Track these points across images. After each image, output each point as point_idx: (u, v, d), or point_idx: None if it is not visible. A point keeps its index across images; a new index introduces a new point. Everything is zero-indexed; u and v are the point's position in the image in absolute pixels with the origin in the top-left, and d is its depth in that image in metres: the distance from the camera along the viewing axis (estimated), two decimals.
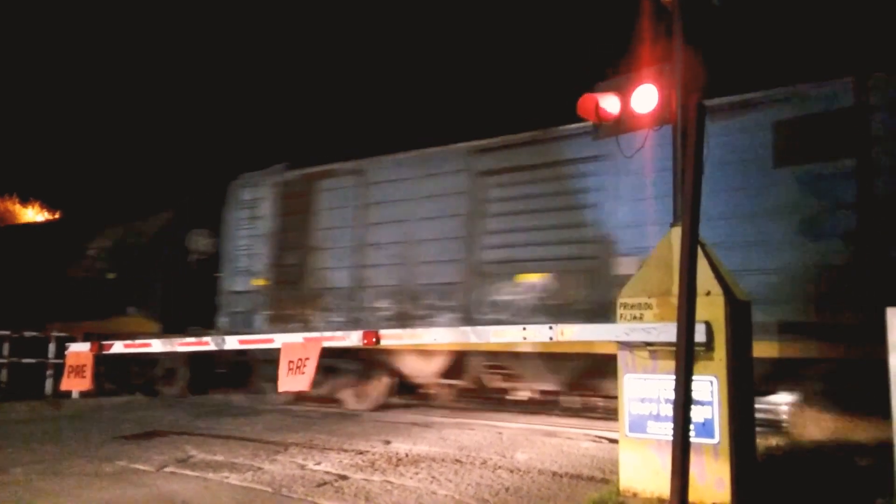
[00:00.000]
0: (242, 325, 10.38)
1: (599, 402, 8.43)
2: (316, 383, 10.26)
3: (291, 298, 10.06)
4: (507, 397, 8.78)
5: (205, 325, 10.73)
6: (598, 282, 7.60)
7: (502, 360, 8.25)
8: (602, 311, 7.31)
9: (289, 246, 10.28)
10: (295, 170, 10.62)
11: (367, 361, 9.35)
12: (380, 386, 9.47)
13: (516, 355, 8.01)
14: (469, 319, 8.35)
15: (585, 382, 7.88)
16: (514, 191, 8.41)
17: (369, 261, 9.46)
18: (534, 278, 8.05)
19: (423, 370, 8.93)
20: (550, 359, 7.81)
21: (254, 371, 10.30)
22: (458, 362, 8.61)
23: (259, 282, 10.44)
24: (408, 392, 9.80)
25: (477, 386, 8.76)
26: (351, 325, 9.12)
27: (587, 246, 7.78)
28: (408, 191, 9.27)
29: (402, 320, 8.86)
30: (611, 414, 7.72)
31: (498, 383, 8.47)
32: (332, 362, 9.32)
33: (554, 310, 7.80)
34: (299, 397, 9.80)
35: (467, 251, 8.63)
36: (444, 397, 9.34)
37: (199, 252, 11.53)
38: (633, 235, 7.43)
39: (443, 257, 8.82)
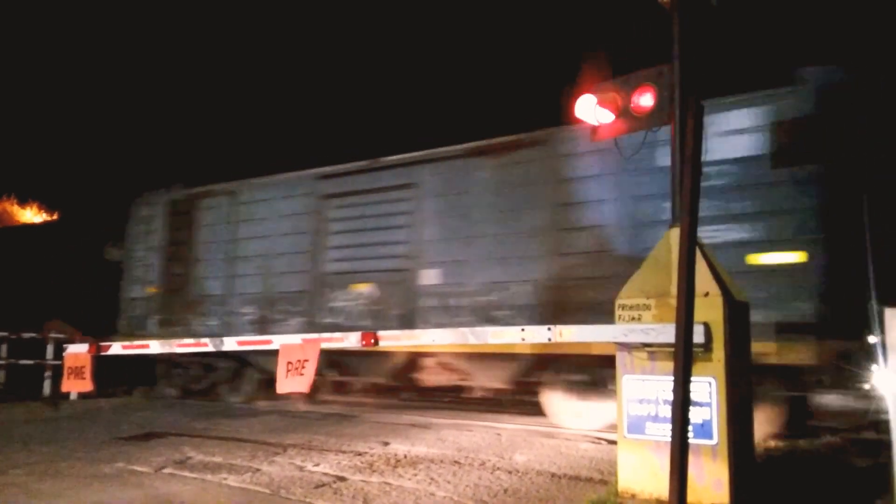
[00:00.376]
0: (136, 328, 11.56)
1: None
2: (195, 379, 10.96)
3: (177, 304, 11.32)
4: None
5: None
6: (408, 290, 8.91)
7: (341, 356, 9.46)
8: (410, 316, 8.78)
9: (176, 258, 11.57)
10: (182, 190, 11.91)
11: (240, 360, 10.39)
12: (251, 381, 10.54)
13: (351, 353, 9.19)
14: (312, 323, 9.60)
15: (407, 376, 9.25)
16: (348, 212, 9.74)
17: (238, 272, 10.73)
18: (362, 287, 9.34)
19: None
20: (372, 355, 9.00)
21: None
22: None
23: (151, 289, 11.69)
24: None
25: (328, 379, 9.98)
26: (223, 328, 10.47)
27: (400, 260, 9.10)
28: (269, 210, 10.59)
29: (262, 324, 10.14)
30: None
31: (336, 378, 9.87)
32: (211, 361, 10.68)
33: (377, 314, 9.13)
34: (184, 394, 11.05)
35: (312, 264, 9.88)
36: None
37: (113, 262, 12.61)
38: (439, 250, 8.76)
39: (293, 269, 10.08)
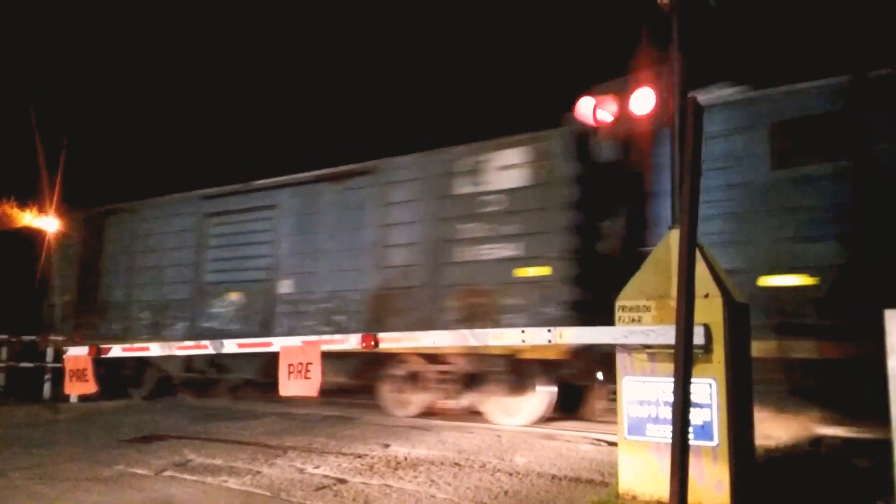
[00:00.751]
0: (52, 332, 12.39)
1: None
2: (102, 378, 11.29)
3: (88, 311, 12.44)
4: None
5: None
6: (269, 298, 10.15)
7: (219, 357, 10.08)
8: (270, 320, 10.04)
9: (87, 269, 12.77)
10: (95, 207, 13.12)
11: (141, 360, 11.17)
12: (151, 379, 11.59)
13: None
14: (194, 327, 10.86)
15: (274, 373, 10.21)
16: (224, 229, 11.06)
17: (136, 281, 11.98)
18: (234, 296, 10.62)
19: (174, 367, 11.02)
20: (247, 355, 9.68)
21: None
22: (190, 359, 10.57)
23: (65, 297, 12.78)
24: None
25: (208, 377, 10.95)
26: (123, 332, 11.73)
27: (263, 272, 10.38)
28: (162, 226, 11.89)
29: (156, 328, 11.36)
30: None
31: (214, 375, 10.76)
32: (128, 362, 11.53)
33: (244, 319, 10.37)
34: (85, 397, 10.93)
35: (195, 274, 11.14)
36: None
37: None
38: (293, 263, 10.06)
39: (180, 279, 11.36)
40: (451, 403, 8.64)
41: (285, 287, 10.02)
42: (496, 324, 7.96)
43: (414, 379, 8.86)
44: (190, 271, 11.20)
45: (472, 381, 8.48)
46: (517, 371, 8.09)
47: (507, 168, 8.30)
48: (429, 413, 8.84)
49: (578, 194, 7.85)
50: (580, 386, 8.49)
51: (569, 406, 8.65)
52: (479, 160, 8.56)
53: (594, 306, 7.34)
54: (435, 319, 8.49)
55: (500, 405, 8.36)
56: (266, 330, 9.87)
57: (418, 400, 8.88)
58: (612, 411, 7.62)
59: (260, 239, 10.55)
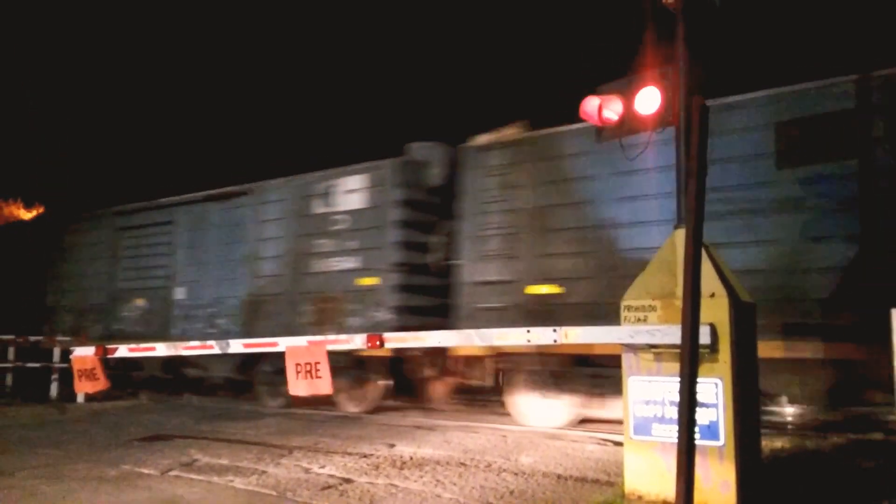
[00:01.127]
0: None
1: None
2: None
3: (38, 311, 13.96)
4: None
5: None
6: (166, 303, 11.79)
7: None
8: (167, 323, 11.64)
9: (51, 274, 14.23)
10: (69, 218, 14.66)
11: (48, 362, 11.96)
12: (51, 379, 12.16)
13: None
14: (108, 328, 12.50)
15: (177, 370, 11.38)
16: (132, 241, 12.69)
17: (65, 288, 13.71)
18: (139, 301, 12.24)
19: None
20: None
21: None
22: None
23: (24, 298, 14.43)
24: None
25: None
26: (62, 332, 12.56)
27: (162, 280, 11.96)
28: (86, 240, 13.52)
29: (78, 330, 12.66)
30: None
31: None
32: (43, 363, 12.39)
33: (146, 322, 11.95)
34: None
35: (109, 282, 12.79)
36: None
37: None
38: (186, 273, 11.62)
39: (97, 286, 12.97)
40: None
41: (180, 294, 11.61)
42: (340, 325, 9.40)
43: (283, 374, 9.42)
44: (106, 279, 12.89)
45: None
46: (358, 366, 9.37)
47: (350, 192, 9.80)
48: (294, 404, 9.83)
49: (404, 215, 9.29)
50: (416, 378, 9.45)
51: (408, 392, 9.75)
52: (330, 185, 10.02)
53: (420, 311, 9.23)
54: (294, 323, 9.95)
55: (348, 395, 9.60)
56: (164, 331, 11.47)
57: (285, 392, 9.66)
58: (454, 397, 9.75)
59: (160, 251, 12.15)
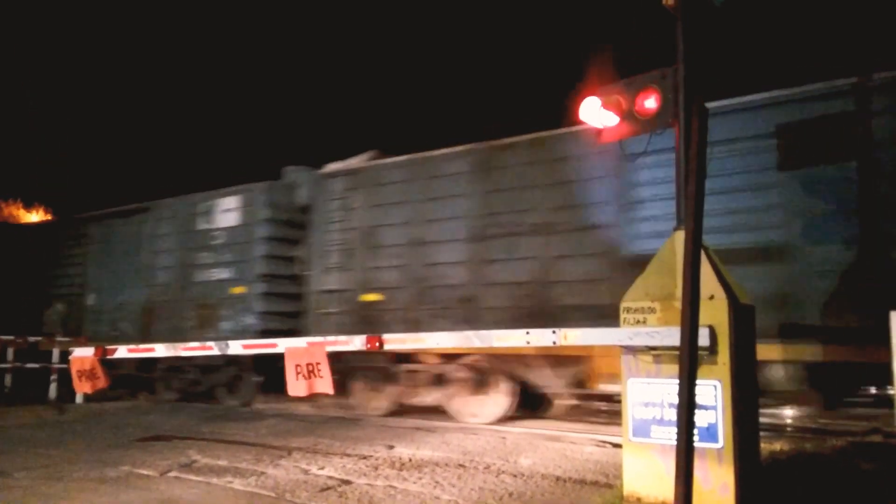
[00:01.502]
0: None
1: None
2: None
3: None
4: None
5: None
6: (81, 307, 13.16)
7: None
8: (80, 324, 12.92)
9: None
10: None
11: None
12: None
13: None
14: (39, 330, 13.08)
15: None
16: (61, 251, 14.06)
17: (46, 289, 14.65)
18: (60, 306, 13.45)
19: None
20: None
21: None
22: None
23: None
24: None
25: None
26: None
27: (78, 287, 13.35)
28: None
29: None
30: None
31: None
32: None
33: (66, 325, 13.01)
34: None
35: (44, 287, 14.14)
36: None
37: None
38: (94, 281, 13.08)
39: (32, 291, 14.33)
40: (200, 388, 11.02)
41: (91, 300, 13.07)
42: (216, 329, 10.68)
43: (176, 370, 11.23)
44: (41, 285, 14.35)
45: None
46: (234, 364, 10.37)
47: (227, 211, 11.13)
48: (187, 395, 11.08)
49: (270, 232, 10.59)
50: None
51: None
52: (211, 204, 11.35)
53: (282, 315, 10.50)
54: (182, 327, 11.17)
55: (227, 389, 10.76)
56: (77, 333, 12.41)
57: (177, 386, 11.38)
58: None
59: (77, 261, 13.62)
